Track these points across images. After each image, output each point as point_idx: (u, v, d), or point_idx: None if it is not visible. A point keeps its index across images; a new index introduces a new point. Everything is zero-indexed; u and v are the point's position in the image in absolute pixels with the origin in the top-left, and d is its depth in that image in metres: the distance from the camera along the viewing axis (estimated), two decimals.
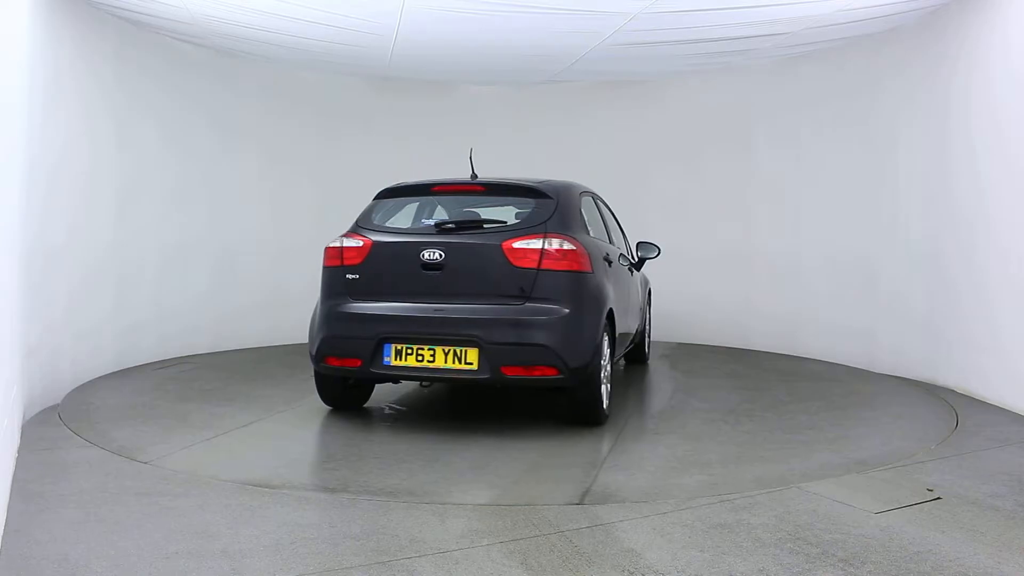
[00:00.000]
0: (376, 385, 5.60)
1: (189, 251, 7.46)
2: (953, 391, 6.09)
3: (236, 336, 7.90)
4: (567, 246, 4.74)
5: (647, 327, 7.41)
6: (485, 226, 4.95)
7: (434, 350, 4.64)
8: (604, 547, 3.05)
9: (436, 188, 5.28)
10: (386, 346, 4.72)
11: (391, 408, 5.59)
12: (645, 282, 7.40)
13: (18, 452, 4.20)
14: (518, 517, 3.35)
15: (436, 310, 4.69)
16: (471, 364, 4.59)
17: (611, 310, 5.05)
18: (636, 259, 6.81)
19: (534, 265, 4.65)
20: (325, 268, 5.07)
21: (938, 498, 3.63)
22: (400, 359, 4.71)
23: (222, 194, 7.78)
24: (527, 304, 4.63)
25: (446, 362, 4.63)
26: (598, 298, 4.88)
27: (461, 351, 4.60)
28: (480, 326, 4.58)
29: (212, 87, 7.70)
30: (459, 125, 8.95)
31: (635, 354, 7.27)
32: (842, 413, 5.44)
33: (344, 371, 4.94)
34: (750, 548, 3.03)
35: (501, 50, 7.39)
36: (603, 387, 4.95)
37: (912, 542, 3.11)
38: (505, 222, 4.98)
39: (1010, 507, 3.54)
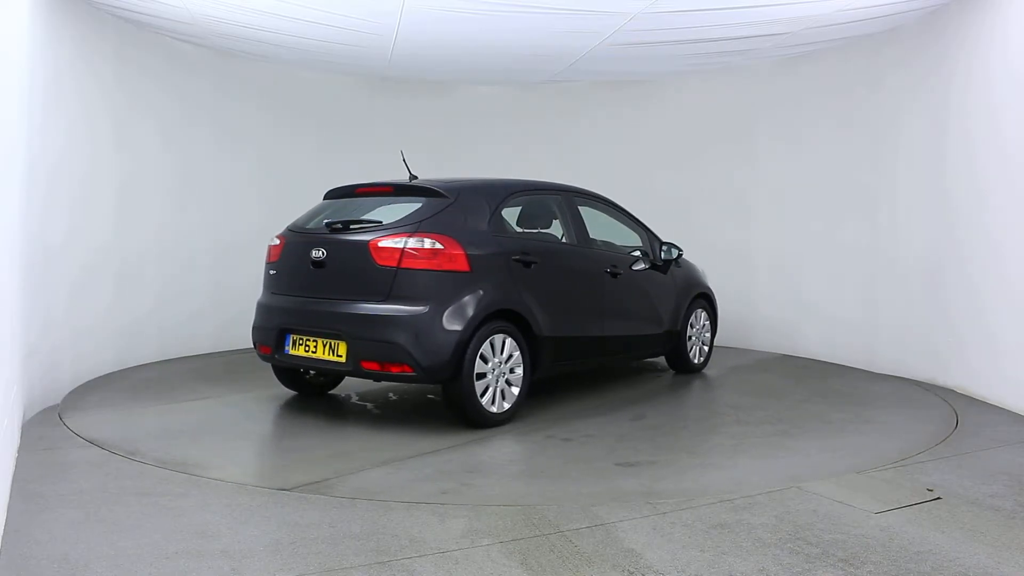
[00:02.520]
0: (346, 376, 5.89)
1: (189, 250, 7.45)
2: (953, 391, 6.09)
3: (236, 335, 7.88)
4: (437, 245, 4.78)
5: (689, 331, 6.89)
6: (363, 226, 5.08)
7: (316, 342, 4.98)
8: (604, 547, 3.05)
9: (359, 190, 5.53)
10: (287, 336, 5.14)
11: (345, 396, 5.82)
12: (686, 285, 6.92)
13: (18, 452, 4.20)
14: (518, 517, 3.36)
15: (317, 304, 5.03)
16: (340, 357, 4.85)
17: (511, 311, 5.01)
18: (661, 260, 6.64)
19: (394, 263, 4.76)
20: (265, 264, 5.56)
21: (938, 498, 3.63)
22: (295, 348, 5.10)
23: (222, 193, 7.77)
24: (387, 301, 4.75)
25: (324, 354, 4.94)
26: (472, 298, 4.81)
27: (334, 344, 4.88)
28: (345, 321, 4.83)
29: (212, 87, 7.68)
30: (459, 125, 8.95)
31: (678, 362, 6.92)
32: (841, 413, 5.44)
33: (266, 357, 5.36)
34: (750, 548, 3.03)
35: (501, 50, 7.39)
36: (491, 388, 4.92)
37: (912, 542, 3.11)
38: (381, 222, 5.11)
39: (1010, 507, 3.54)
